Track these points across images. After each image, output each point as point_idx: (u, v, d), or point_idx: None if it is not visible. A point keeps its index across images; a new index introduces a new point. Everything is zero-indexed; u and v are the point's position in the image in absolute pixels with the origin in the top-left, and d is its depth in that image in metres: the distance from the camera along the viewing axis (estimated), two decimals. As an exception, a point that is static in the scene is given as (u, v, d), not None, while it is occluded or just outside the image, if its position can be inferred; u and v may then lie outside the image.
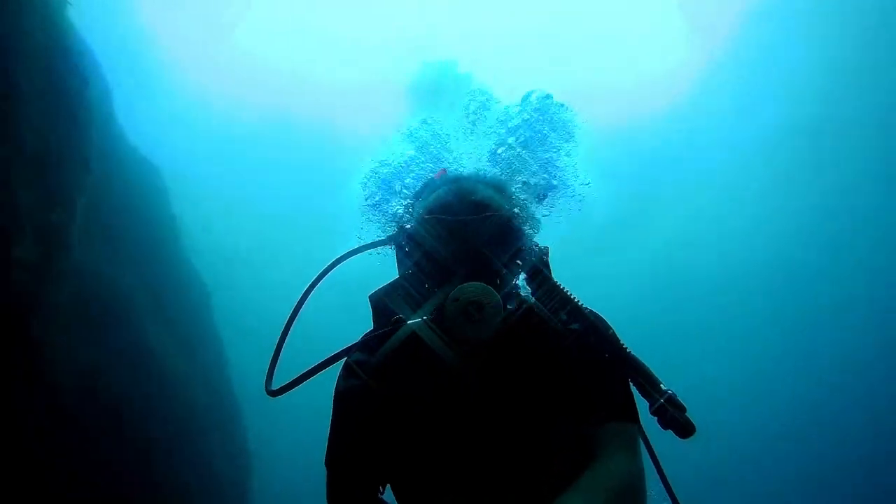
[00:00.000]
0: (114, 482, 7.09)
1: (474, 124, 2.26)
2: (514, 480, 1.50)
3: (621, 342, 1.56)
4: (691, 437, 1.44)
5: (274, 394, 1.66)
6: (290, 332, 1.87)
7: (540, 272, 1.62)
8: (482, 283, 1.41)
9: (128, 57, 13.67)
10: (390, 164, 2.30)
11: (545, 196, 2.26)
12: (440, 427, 1.52)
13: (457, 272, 1.47)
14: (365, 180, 2.06)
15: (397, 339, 1.51)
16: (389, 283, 1.71)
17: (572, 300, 1.60)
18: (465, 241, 1.50)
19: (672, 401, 1.45)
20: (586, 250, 17.81)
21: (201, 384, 10.69)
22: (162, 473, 8.29)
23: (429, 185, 1.77)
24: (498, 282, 1.49)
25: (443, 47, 18.56)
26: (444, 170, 1.94)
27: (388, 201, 2.26)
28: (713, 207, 23.06)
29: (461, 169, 1.95)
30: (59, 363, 6.10)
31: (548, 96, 2.44)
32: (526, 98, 2.51)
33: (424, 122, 2.23)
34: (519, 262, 1.59)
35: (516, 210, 1.68)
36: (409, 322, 1.48)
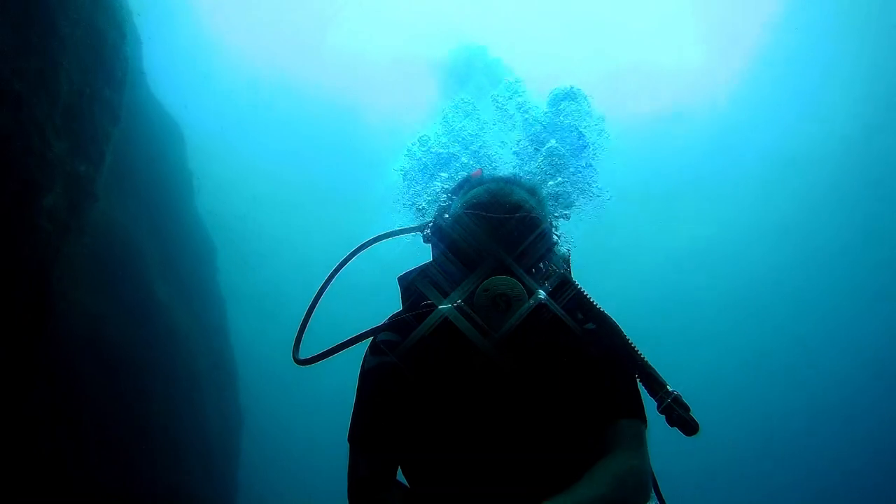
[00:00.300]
0: (109, 432, 7.25)
1: (510, 121, 2.34)
2: (527, 467, 1.55)
3: (632, 343, 1.64)
4: (695, 435, 1.52)
5: (302, 363, 1.76)
6: (317, 305, 1.94)
7: (562, 273, 1.70)
8: (511, 278, 1.50)
9: (161, 10, 13.59)
10: (430, 151, 2.39)
11: (571, 204, 2.36)
12: (464, 410, 1.58)
13: (488, 265, 1.55)
14: (404, 162, 2.15)
15: (429, 322, 1.57)
16: (419, 268, 1.78)
17: (589, 301, 1.68)
18: (499, 237, 1.58)
19: (678, 401, 1.53)
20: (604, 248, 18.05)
21: (203, 341, 10.84)
22: (159, 425, 8.46)
23: (467, 182, 1.85)
24: (525, 278, 1.57)
25: (473, 31, 18.42)
26: (480, 170, 2.02)
27: (422, 186, 2.36)
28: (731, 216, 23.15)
29: (496, 170, 2.03)
30: (71, 314, 6.22)
31: (573, 94, 2.51)
32: (554, 98, 2.56)
33: (463, 112, 2.33)
34: (545, 261, 1.68)
35: (546, 213, 1.76)
36: (440, 307, 1.55)
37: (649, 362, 1.62)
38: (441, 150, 2.29)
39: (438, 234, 1.76)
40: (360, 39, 19.06)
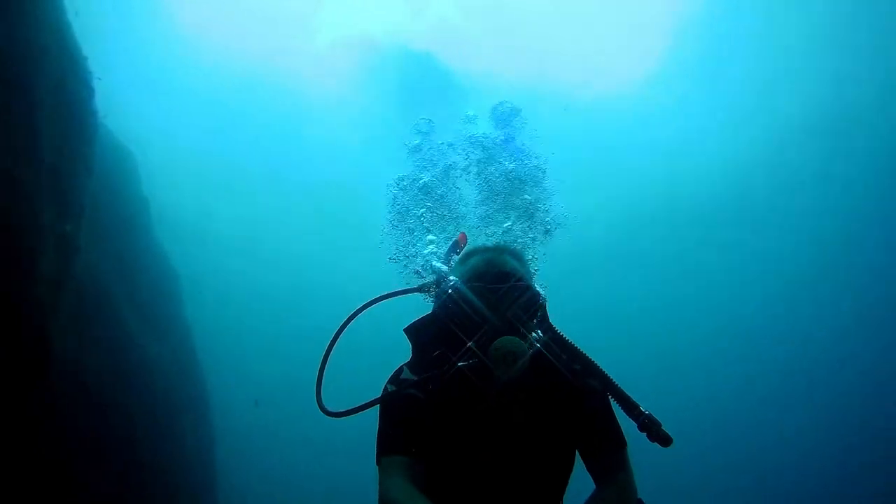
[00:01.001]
0: (101, 462, 7.47)
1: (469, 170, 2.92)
2: (525, 494, 1.95)
3: (609, 376, 1.96)
4: (670, 446, 1.85)
5: (332, 415, 2.04)
6: (329, 357, 2.26)
7: (548, 323, 2.04)
8: (516, 338, 1.83)
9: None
10: (412, 187, 2.96)
11: (549, 231, 2.95)
12: (473, 444, 1.92)
13: (490, 327, 1.88)
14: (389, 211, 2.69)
15: (449, 372, 1.90)
16: (421, 320, 2.14)
17: (571, 344, 2.01)
18: (500, 303, 1.92)
19: (652, 419, 1.85)
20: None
21: (174, 371, 10.99)
22: (142, 451, 8.66)
23: (456, 246, 2.32)
24: (522, 334, 1.90)
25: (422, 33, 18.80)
26: (464, 234, 2.52)
27: (407, 240, 2.91)
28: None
29: (484, 239, 2.58)
30: (60, 360, 6.41)
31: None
32: (495, 111, 3.18)
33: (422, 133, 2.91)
34: (535, 318, 2.01)
35: (529, 273, 2.12)
36: (459, 364, 1.89)
37: (622, 388, 1.95)
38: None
39: (446, 299, 2.04)
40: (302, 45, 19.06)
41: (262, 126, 20.54)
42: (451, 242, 2.42)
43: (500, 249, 2.13)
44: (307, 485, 23.35)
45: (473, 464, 1.91)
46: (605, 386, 1.95)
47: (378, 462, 1.92)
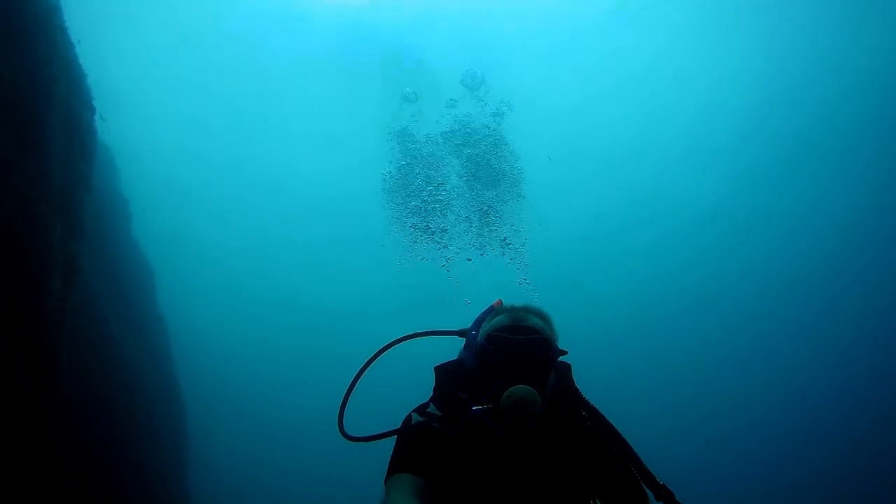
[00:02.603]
0: (81, 456, 7.82)
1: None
2: None
3: (629, 443, 2.01)
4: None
5: (353, 440, 2.18)
6: (357, 384, 2.39)
7: (567, 379, 2.15)
8: (529, 387, 1.88)
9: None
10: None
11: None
12: (486, 485, 1.96)
13: (510, 376, 1.94)
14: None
15: (466, 422, 1.99)
16: (451, 363, 2.29)
17: (592, 406, 2.10)
18: (518, 354, 2.00)
19: (668, 489, 1.92)
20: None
21: (150, 368, 11.31)
22: (121, 449, 9.01)
23: (493, 311, 2.33)
24: (539, 385, 1.95)
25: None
26: (500, 300, 2.50)
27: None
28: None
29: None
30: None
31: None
32: (465, 78, 3.70)
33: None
34: (553, 371, 2.10)
35: (554, 333, 2.19)
36: (474, 408, 1.97)
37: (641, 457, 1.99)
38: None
39: (473, 348, 2.17)
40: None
41: (240, 121, 20.66)
42: (487, 307, 2.44)
43: (525, 309, 2.22)
44: (275, 477, 23.72)
45: (483, 499, 1.96)
46: (624, 453, 1.99)
47: (385, 482, 1.96)
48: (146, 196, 14.87)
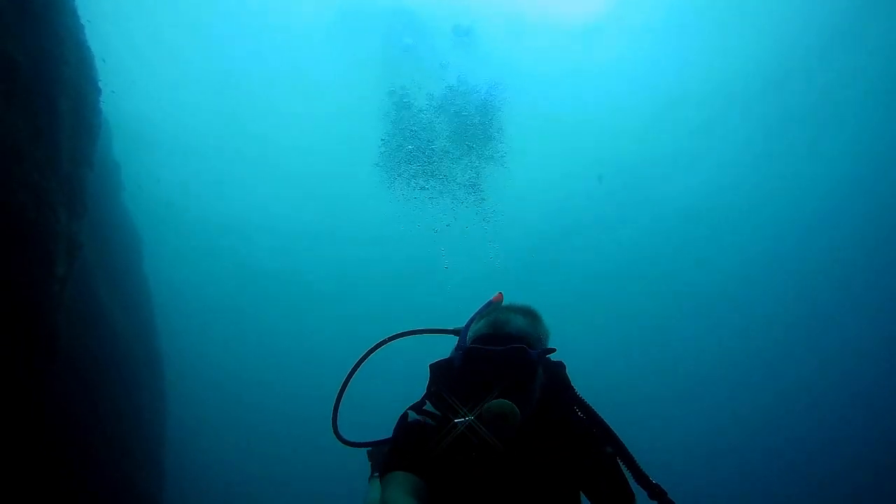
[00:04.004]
0: (67, 432, 8.04)
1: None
2: None
3: (623, 443, 2.03)
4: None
5: (348, 444, 2.22)
6: (348, 386, 2.39)
7: (559, 379, 2.14)
8: (507, 401, 1.88)
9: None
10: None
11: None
12: (477, 482, 1.99)
13: (488, 387, 1.97)
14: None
15: (451, 433, 1.98)
16: (444, 361, 2.24)
17: (588, 406, 2.10)
18: (494, 367, 1.99)
19: (661, 489, 1.96)
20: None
21: (136, 339, 11.48)
22: (106, 417, 9.24)
23: (486, 307, 2.32)
24: (522, 392, 1.97)
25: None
26: (501, 294, 2.51)
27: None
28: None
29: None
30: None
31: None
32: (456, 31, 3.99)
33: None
34: (542, 371, 2.09)
35: (540, 332, 2.13)
36: (455, 420, 1.98)
37: (635, 457, 2.01)
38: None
39: (459, 351, 2.14)
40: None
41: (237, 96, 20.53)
42: (486, 302, 2.43)
43: (510, 309, 2.17)
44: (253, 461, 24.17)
45: (477, 500, 1.99)
46: (618, 452, 2.01)
47: (381, 477, 1.99)
48: (137, 160, 14.81)
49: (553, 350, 2.10)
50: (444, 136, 14.73)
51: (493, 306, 2.27)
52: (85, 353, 8.72)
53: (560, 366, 2.16)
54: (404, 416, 2.13)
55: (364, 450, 2.52)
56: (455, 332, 2.40)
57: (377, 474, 2.35)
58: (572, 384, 2.13)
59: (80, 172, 6.37)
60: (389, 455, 2.02)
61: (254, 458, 24.40)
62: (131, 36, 17.16)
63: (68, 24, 6.27)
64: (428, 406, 2.14)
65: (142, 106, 17.20)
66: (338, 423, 2.32)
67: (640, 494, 1.99)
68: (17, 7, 5.41)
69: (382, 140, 14.51)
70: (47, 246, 5.29)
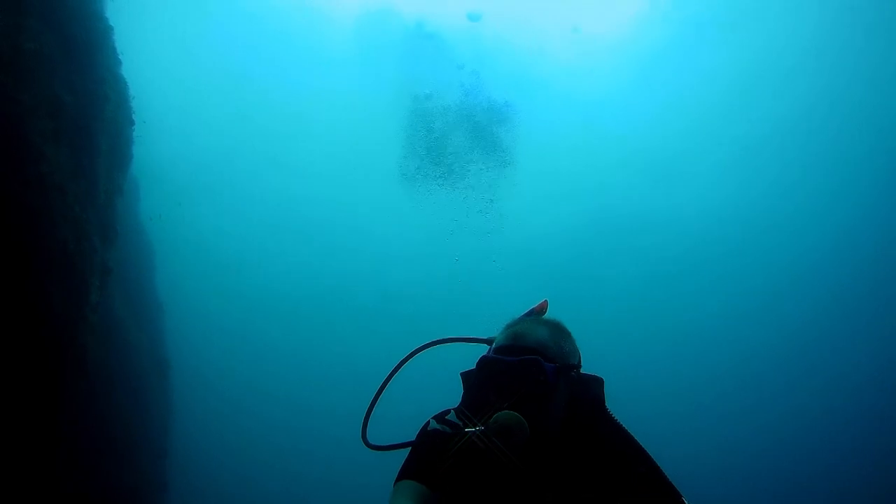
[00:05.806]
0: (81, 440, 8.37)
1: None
2: None
3: (656, 463, 1.91)
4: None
5: (374, 448, 2.23)
6: (383, 393, 2.42)
7: (589, 395, 2.08)
8: (515, 413, 1.85)
9: None
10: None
11: None
12: (493, 496, 1.94)
13: (498, 399, 1.93)
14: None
15: (461, 443, 1.93)
16: (471, 371, 2.18)
17: (612, 418, 2.04)
18: (505, 378, 1.96)
19: None
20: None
21: (147, 348, 11.81)
22: (119, 422, 9.57)
23: (522, 316, 2.27)
24: (535, 407, 1.92)
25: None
26: (546, 301, 2.42)
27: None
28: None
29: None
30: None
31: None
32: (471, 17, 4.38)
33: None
34: (554, 391, 1.98)
35: (564, 348, 2.07)
36: (466, 430, 1.94)
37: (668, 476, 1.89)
38: None
39: (481, 364, 2.09)
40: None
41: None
42: (528, 310, 2.40)
43: (538, 321, 2.15)
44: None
45: None
46: (650, 472, 1.92)
47: (395, 484, 1.99)
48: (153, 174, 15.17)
49: (576, 366, 2.07)
50: (462, 143, 15.21)
51: (518, 319, 2.24)
52: (101, 369, 9.05)
53: (596, 381, 2.12)
54: (426, 424, 2.15)
55: (375, 455, 2.48)
56: (487, 341, 2.33)
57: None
58: (605, 401, 2.09)
59: (113, 201, 6.74)
60: (404, 463, 2.05)
61: (258, 467, 24.56)
62: (161, 63, 17.63)
63: (108, 62, 6.66)
64: (451, 416, 2.14)
65: (168, 134, 17.67)
66: (367, 430, 2.35)
67: None
68: (64, 49, 5.80)
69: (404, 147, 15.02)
70: (84, 276, 5.65)
